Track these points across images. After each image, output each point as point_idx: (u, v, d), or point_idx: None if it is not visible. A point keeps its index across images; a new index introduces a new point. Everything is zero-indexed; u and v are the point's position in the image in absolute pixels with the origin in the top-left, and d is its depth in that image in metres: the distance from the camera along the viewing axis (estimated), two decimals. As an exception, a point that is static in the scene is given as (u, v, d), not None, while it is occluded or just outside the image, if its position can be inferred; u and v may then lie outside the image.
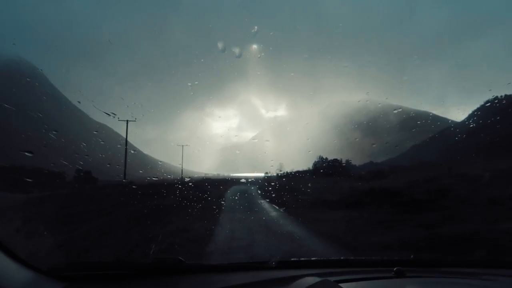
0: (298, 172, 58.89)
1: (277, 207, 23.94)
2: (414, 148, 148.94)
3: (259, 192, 41.41)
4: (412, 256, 2.23)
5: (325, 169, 51.11)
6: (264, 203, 27.16)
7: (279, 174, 59.74)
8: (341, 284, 1.56)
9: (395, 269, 1.83)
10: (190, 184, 38.73)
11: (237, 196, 34.18)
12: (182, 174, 68.62)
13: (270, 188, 38.75)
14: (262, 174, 66.57)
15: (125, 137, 47.42)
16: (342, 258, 2.37)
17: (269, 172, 63.67)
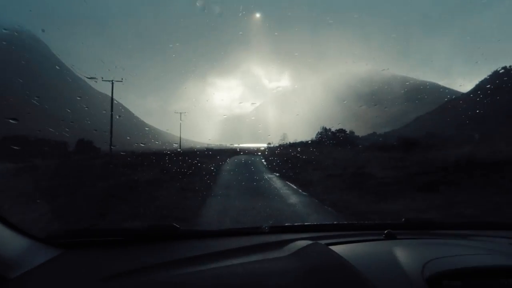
0: (302, 142, 58.27)
1: (301, 190, 15.31)
2: (418, 119, 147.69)
3: (265, 163, 34.18)
4: (403, 220, 2.24)
5: (331, 139, 50.22)
6: (277, 182, 18.86)
7: (283, 144, 59.21)
8: (331, 247, 1.60)
9: (385, 231, 1.87)
10: (182, 154, 35.38)
11: (237, 170, 26.78)
12: (180, 143, 65.88)
13: (278, 160, 33.88)
14: (264, 145, 66.19)
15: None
16: (334, 222, 2.34)
17: (272, 143, 63.33)
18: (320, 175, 20.13)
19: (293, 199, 12.98)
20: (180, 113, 60.77)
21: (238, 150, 57.21)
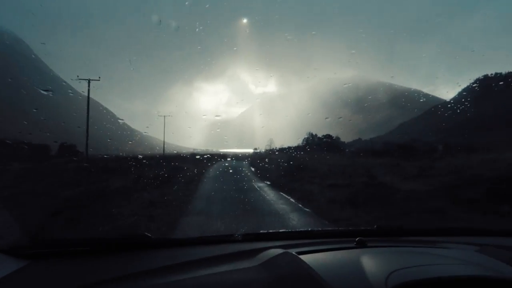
0: (289, 148, 58.16)
1: (301, 205, 12.33)
2: (403, 125, 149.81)
3: (254, 170, 30.60)
4: (375, 226, 2.30)
5: (317, 145, 50.10)
6: (269, 193, 15.87)
7: (270, 150, 58.94)
8: (301, 256, 1.63)
9: (357, 239, 1.90)
10: (164, 158, 33.51)
11: (223, 178, 23.42)
12: (164, 148, 62.08)
13: (268, 166, 31.31)
14: (251, 150, 65.79)
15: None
16: (308, 229, 2.55)
17: (258, 148, 62.95)
18: (320, 185, 17.17)
19: (295, 218, 10.07)
20: (164, 116, 57.00)
21: (224, 155, 53.85)
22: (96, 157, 32.54)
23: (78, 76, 33.60)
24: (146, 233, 1.93)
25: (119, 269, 1.63)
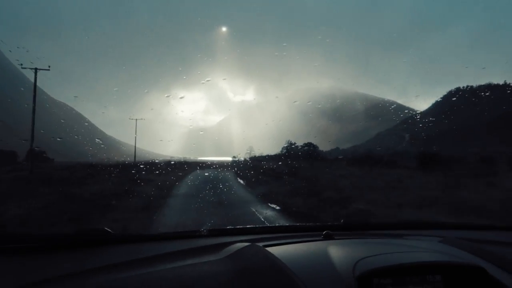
0: (269, 156, 57.63)
1: None
2: (379, 135, 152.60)
3: (244, 183, 23.29)
4: (342, 221, 2.34)
5: (299, 152, 49.83)
6: None
7: (251, 157, 58.27)
8: (268, 248, 1.63)
9: (324, 232, 1.93)
10: (134, 166, 30.06)
11: (203, 195, 15.45)
12: (135, 154, 54.92)
13: (260, 178, 24.25)
14: (229, 158, 64.88)
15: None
16: (275, 225, 2.59)
17: (237, 156, 62.16)
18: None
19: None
20: (136, 119, 51.19)
21: (202, 163, 49.09)
22: (61, 164, 30.94)
23: (22, 65, 28.08)
24: (106, 228, 1.85)
25: (76, 265, 1.55)
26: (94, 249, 1.79)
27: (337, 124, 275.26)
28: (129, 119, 54.76)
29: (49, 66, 31.25)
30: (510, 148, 50.24)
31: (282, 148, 64.47)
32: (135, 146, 55.07)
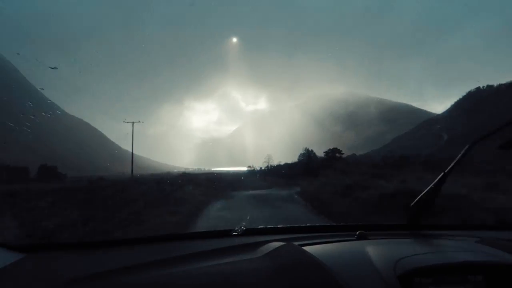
0: (287, 164, 55.74)
1: None
2: (396, 140, 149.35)
3: None
4: (375, 221, 1.87)
5: (326, 160, 47.77)
6: None
7: (268, 167, 56.44)
8: (304, 247, 1.64)
9: (357, 232, 1.91)
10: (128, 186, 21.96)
11: None
12: (132, 166, 44.28)
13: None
14: (244, 168, 63.12)
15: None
16: (308, 224, 2.31)
17: (252, 166, 60.33)
18: None
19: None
20: (133, 122, 44.32)
21: (234, 181, 35.18)
22: (72, 179, 29.76)
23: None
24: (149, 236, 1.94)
25: (117, 261, 1.60)
26: (136, 247, 1.85)
27: (351, 130, 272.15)
28: (124, 122, 43.92)
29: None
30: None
31: (299, 156, 62.69)
32: (132, 154, 45.94)
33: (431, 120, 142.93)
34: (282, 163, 58.80)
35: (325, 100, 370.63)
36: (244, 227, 2.14)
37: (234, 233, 2.04)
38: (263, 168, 56.26)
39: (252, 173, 52.56)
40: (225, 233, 2.07)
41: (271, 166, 57.06)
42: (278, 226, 2.28)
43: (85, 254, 1.74)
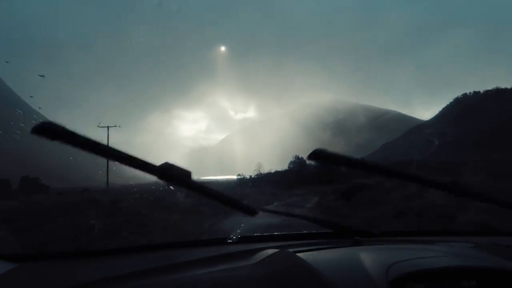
0: (277, 171, 54.80)
1: None
2: (385, 146, 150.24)
3: None
4: (370, 228, 2.23)
5: (319, 167, 46.85)
6: None
7: (258, 175, 55.38)
8: (298, 254, 1.60)
9: (353, 238, 1.87)
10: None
11: None
12: (107, 178, 40.27)
13: None
14: (234, 177, 61.94)
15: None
16: (303, 232, 2.23)
17: (242, 174, 59.18)
18: None
19: None
20: (108, 126, 39.86)
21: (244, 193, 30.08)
22: (55, 191, 28.28)
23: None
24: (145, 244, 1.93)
25: (112, 270, 1.57)
26: (129, 255, 1.83)
27: (341, 137, 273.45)
28: (98, 126, 37.97)
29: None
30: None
31: (290, 163, 61.98)
32: (107, 163, 42.67)
33: (420, 126, 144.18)
34: (273, 171, 57.89)
35: (314, 107, 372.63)
36: (240, 234, 2.14)
37: (229, 241, 2.01)
38: (253, 176, 55.22)
39: (243, 182, 51.18)
40: (220, 241, 2.06)
41: (261, 174, 56.08)
42: (274, 233, 2.21)
43: (78, 264, 1.71)
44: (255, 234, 2.22)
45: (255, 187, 36.58)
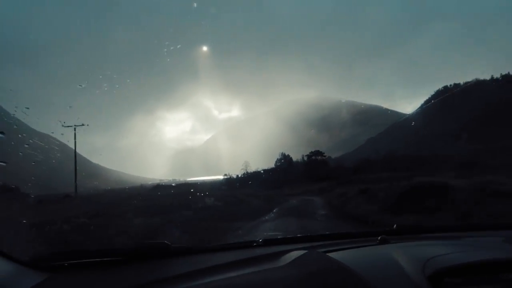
0: (264, 170, 54.43)
1: None
2: (370, 141, 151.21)
3: None
4: (395, 226, 2.30)
5: (308, 164, 46.45)
6: None
7: (245, 174, 54.83)
8: (328, 254, 1.65)
9: (379, 237, 1.93)
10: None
11: None
12: (75, 182, 38.28)
13: None
14: (220, 177, 61.30)
15: (73, 147, 38.97)
16: (328, 232, 2.30)
17: (228, 174, 58.57)
18: None
19: None
20: (74, 126, 35.69)
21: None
22: (34, 198, 27.19)
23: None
24: (165, 242, 1.88)
25: (140, 278, 1.62)
26: (155, 262, 1.81)
27: (325, 133, 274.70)
28: (62, 126, 31.79)
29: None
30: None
31: (276, 161, 61.57)
32: (75, 166, 38.24)
33: (403, 120, 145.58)
34: (260, 169, 57.46)
35: (298, 104, 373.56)
36: (264, 237, 2.11)
37: (255, 244, 2.01)
38: (240, 175, 54.64)
39: (229, 182, 50.50)
40: (246, 244, 2.06)
41: (248, 173, 55.60)
42: (298, 235, 2.24)
43: (110, 272, 1.70)
44: (279, 237, 2.22)
45: (244, 187, 35.18)
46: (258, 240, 2.02)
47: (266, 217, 17.11)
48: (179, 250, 1.93)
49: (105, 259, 1.77)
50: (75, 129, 36.54)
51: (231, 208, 20.75)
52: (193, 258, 1.87)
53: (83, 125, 37.06)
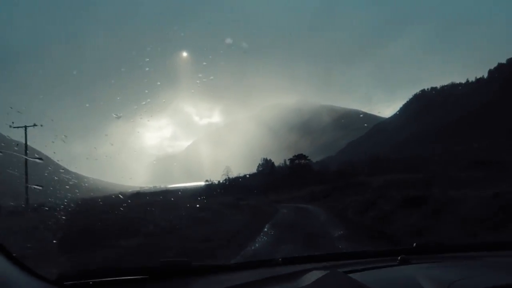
0: (246, 176, 53.72)
1: None
2: (351, 144, 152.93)
3: None
4: (414, 244, 2.27)
5: (291, 168, 45.93)
6: None
7: (227, 180, 53.95)
8: (349, 275, 1.63)
9: (399, 257, 1.90)
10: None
11: None
12: (27, 191, 30.29)
13: None
14: (202, 183, 60.26)
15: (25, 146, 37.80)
16: (347, 251, 2.29)
17: (210, 180, 57.62)
18: None
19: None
20: (25, 126, 31.91)
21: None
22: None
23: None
24: (186, 260, 1.90)
25: None
26: (177, 281, 1.83)
27: (306, 138, 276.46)
28: (11, 127, 26.14)
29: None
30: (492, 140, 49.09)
31: (258, 166, 61.00)
32: (26, 172, 31.27)
33: (382, 123, 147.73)
34: (242, 174, 56.68)
35: (279, 109, 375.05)
36: (283, 256, 2.11)
37: (274, 263, 2.01)
38: (222, 181, 53.75)
39: (210, 189, 49.42)
40: (265, 263, 2.07)
41: (229, 178, 54.75)
42: (315, 254, 2.23)
43: None
44: (297, 255, 2.21)
45: (225, 194, 32.90)
46: (278, 258, 2.01)
47: (256, 245, 11.24)
48: (200, 269, 1.95)
49: (127, 277, 1.76)
50: (25, 130, 33.35)
51: (201, 228, 14.50)
52: (213, 277, 1.87)
53: (35, 125, 32.97)
